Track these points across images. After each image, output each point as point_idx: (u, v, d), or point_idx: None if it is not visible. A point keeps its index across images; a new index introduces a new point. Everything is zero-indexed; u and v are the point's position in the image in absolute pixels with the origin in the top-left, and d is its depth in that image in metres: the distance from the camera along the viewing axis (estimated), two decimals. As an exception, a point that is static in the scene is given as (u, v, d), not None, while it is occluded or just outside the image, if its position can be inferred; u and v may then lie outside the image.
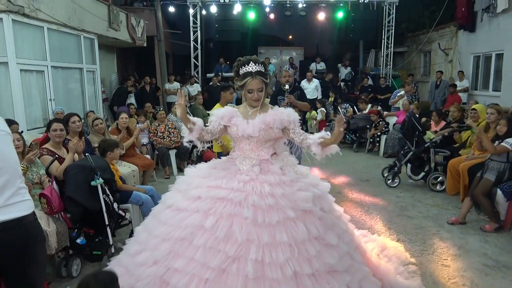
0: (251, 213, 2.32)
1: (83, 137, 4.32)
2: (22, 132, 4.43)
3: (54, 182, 3.33)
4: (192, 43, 14.03)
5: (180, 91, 2.62)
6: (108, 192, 3.45)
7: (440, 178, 5.69)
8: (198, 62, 14.11)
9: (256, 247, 2.23)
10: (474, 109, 5.84)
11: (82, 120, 4.69)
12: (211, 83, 12.37)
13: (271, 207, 2.35)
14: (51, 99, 7.30)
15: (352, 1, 13.88)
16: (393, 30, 14.48)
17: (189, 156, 7.42)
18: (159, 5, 12.95)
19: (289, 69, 10.92)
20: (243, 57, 2.66)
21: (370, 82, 13.38)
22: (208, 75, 14.26)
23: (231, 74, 12.83)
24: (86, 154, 3.51)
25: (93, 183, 3.29)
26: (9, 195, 1.81)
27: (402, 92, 9.26)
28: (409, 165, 5.96)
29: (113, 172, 3.82)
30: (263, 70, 2.60)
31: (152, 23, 13.06)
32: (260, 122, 2.56)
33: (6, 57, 6.19)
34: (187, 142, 2.68)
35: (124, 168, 5.08)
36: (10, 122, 4.59)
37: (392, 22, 14.34)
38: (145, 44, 12.26)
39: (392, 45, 14.66)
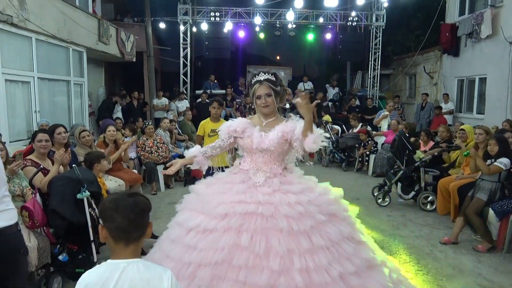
0: (285, 224, 2.31)
1: (69, 149, 4.16)
2: (5, 143, 4.26)
3: (37, 195, 3.17)
4: (181, 59, 14.03)
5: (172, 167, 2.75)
6: (94, 206, 3.30)
7: (431, 197, 5.69)
8: (187, 78, 14.09)
9: (298, 256, 2.23)
10: (462, 129, 5.92)
11: (68, 132, 4.54)
12: (199, 100, 12.32)
13: (302, 214, 2.36)
14: (36, 111, 7.11)
15: (340, 24, 14.20)
16: (379, 53, 14.80)
17: (176, 172, 7.26)
18: (150, 21, 12.97)
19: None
20: None
21: (357, 102, 13.55)
22: (197, 91, 14.23)
23: (221, 91, 12.84)
24: (73, 165, 3.37)
25: (79, 195, 3.14)
26: None
27: (386, 113, 9.39)
28: (399, 184, 5.95)
29: (100, 185, 3.67)
30: (273, 79, 2.62)
31: (142, 39, 13.04)
32: (277, 135, 2.55)
33: (-9, 66, 6.03)
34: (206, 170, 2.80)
35: (110, 183, 4.92)
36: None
37: (379, 45, 14.67)
38: (134, 59, 12.19)
39: (378, 67, 14.95)
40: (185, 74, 14.10)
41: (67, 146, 4.38)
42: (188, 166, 2.88)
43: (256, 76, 2.64)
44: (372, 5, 14.14)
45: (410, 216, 5.46)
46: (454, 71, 12.24)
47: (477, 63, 10.91)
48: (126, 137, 7.03)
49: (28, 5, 6.63)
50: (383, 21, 14.37)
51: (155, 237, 4.34)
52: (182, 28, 13.76)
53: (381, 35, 14.52)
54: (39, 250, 3.08)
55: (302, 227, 2.31)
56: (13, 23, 6.30)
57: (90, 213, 3.21)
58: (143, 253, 3.62)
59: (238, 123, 2.69)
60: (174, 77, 15.67)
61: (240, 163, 2.74)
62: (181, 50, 13.99)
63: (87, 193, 3.17)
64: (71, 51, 8.39)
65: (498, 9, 9.92)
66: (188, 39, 13.85)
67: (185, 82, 14.14)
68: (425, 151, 6.41)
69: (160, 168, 6.90)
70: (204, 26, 13.77)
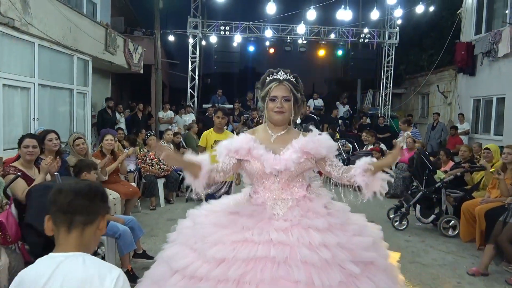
0: (303, 274, 1.72)
1: (59, 157, 3.80)
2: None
3: (12, 206, 2.79)
4: (189, 73, 13.84)
5: (157, 145, 2.07)
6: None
7: (453, 222, 5.20)
8: (194, 92, 13.86)
9: None
10: (487, 148, 5.47)
11: (60, 139, 4.19)
12: (206, 114, 12.02)
13: (328, 263, 1.77)
14: (35, 118, 6.83)
15: (352, 41, 13.96)
16: (392, 71, 14.48)
17: (178, 186, 6.88)
18: (159, 33, 12.84)
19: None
20: None
21: (368, 121, 13.17)
22: (204, 105, 13.97)
23: (228, 105, 12.50)
24: (55, 173, 2.99)
25: (59, 208, 2.75)
26: None
27: (408, 132, 8.99)
28: (417, 206, 5.48)
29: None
30: (295, 82, 2.09)
31: (151, 52, 12.90)
32: (297, 152, 1.98)
33: (-11, 70, 5.79)
34: (195, 194, 2.02)
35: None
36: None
37: (392, 63, 14.36)
38: (141, 71, 12.00)
39: (391, 86, 14.60)
40: (192, 88, 13.88)
41: (59, 154, 4.02)
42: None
43: (274, 74, 2.08)
44: (385, 22, 13.90)
45: (430, 242, 4.97)
46: (469, 90, 11.82)
47: (494, 83, 10.49)
48: (125, 148, 6.68)
49: (32, 9, 6.43)
50: (396, 39, 14.12)
51: (149, 257, 3.95)
52: (191, 41, 13.62)
53: (393, 53, 14.23)
54: (10, 269, 2.68)
55: (327, 282, 1.71)
56: (15, 27, 6.08)
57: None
58: (134, 277, 3.20)
59: (240, 141, 2.04)
60: (182, 93, 15.52)
61: (250, 195, 2.12)
62: (190, 63, 13.82)
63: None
64: (75, 59, 8.17)
65: (517, 27, 9.56)
66: (197, 53, 13.69)
67: (192, 96, 13.90)
68: (445, 172, 5.95)
69: (161, 181, 6.51)
70: (214, 39, 13.61)
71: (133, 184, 5.96)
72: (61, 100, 7.99)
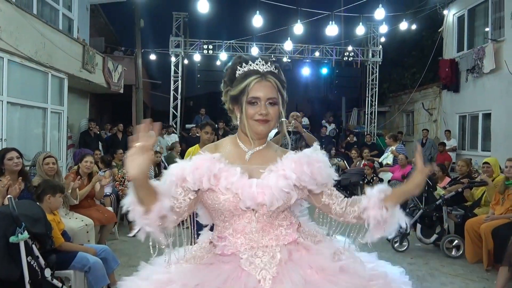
0: None
1: (21, 178, 3.32)
2: None
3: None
4: (172, 92, 13.49)
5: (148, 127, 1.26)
6: (36, 252, 2.42)
7: (456, 241, 4.87)
8: (177, 112, 13.46)
9: None
10: (486, 163, 5.22)
11: (24, 158, 3.72)
12: (190, 134, 11.62)
13: None
14: (2, 139, 6.27)
15: (336, 59, 13.93)
16: (376, 89, 14.48)
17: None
18: (140, 52, 12.51)
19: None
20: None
21: (355, 139, 13.02)
22: (187, 126, 13.57)
23: (212, 124, 12.13)
24: (8, 196, 2.52)
25: (12, 239, 2.27)
26: None
27: (393, 148, 8.80)
28: (418, 225, 5.14)
29: (51, 224, 2.80)
30: (280, 75, 1.47)
31: (131, 72, 12.51)
32: (284, 177, 1.37)
33: (-50, 86, 5.28)
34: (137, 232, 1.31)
35: (75, 221, 4.02)
36: None
37: (376, 81, 14.37)
38: (121, 90, 11.56)
39: (376, 103, 14.56)
40: (175, 108, 13.50)
41: (22, 175, 3.53)
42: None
43: (249, 63, 1.42)
44: (368, 40, 13.96)
45: (435, 264, 4.61)
46: (455, 107, 11.83)
47: (480, 99, 10.49)
48: (101, 170, 6.17)
49: (2, 22, 6.00)
50: (379, 57, 14.16)
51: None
52: (173, 60, 13.32)
53: (377, 71, 14.26)
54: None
55: None
56: (-19, 40, 5.64)
57: (28, 262, 2.33)
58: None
59: (200, 163, 1.37)
60: (164, 115, 15.11)
61: (210, 240, 1.49)
62: (172, 82, 13.48)
63: (25, 235, 2.31)
64: (50, 76, 7.69)
65: (500, 44, 9.64)
66: (180, 72, 13.38)
67: (175, 116, 13.50)
68: (444, 188, 5.67)
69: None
70: (197, 58, 13.36)
71: (110, 208, 5.43)
72: (33, 120, 7.45)
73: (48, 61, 7.49)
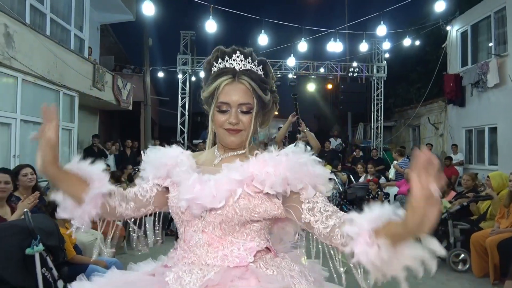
0: None
1: (37, 193, 3.44)
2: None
3: (-27, 249, 2.42)
4: (179, 109, 13.71)
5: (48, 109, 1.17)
6: (50, 264, 2.52)
7: (463, 255, 4.86)
8: (184, 128, 13.66)
9: None
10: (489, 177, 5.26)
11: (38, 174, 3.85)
12: (197, 149, 11.76)
13: None
14: (16, 155, 6.47)
15: (341, 75, 14.10)
16: (382, 104, 14.58)
17: (168, 224, 6.45)
18: (148, 70, 12.79)
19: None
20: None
21: (361, 154, 13.05)
22: (194, 141, 13.73)
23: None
24: (25, 210, 2.64)
25: (28, 250, 2.38)
26: None
27: (395, 162, 8.89)
28: (423, 239, 5.15)
29: (64, 237, 2.91)
30: (261, 73, 1.25)
31: (140, 89, 12.79)
32: (231, 177, 1.14)
33: (-33, 104, 5.50)
34: (76, 227, 1.23)
35: (84, 236, 4.12)
36: None
37: (381, 96, 14.48)
38: (130, 107, 11.81)
39: (382, 118, 14.64)
40: (182, 124, 13.70)
41: (36, 190, 3.66)
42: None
43: (226, 58, 1.23)
44: (373, 56, 14.13)
45: (441, 279, 4.60)
46: (460, 121, 11.85)
47: (485, 113, 10.53)
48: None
49: (16, 43, 6.25)
50: (384, 72, 14.30)
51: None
52: (181, 77, 13.59)
53: (382, 86, 14.38)
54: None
55: None
56: (-3, 61, 5.87)
57: (43, 273, 2.43)
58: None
59: (162, 154, 1.29)
60: (172, 131, 15.34)
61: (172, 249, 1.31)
62: (179, 99, 13.72)
63: (40, 247, 2.41)
64: (61, 94, 7.94)
65: (504, 58, 9.72)
66: (187, 89, 13.63)
67: (182, 132, 13.69)
68: (450, 202, 5.69)
69: (149, 220, 6.09)
70: (203, 75, 13.61)
71: (119, 223, 5.54)
72: (45, 137, 7.65)
73: (60, 79, 7.73)
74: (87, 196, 1.17)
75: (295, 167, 1.13)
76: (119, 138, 13.61)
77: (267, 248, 1.20)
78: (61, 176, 1.17)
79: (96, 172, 1.22)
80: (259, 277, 1.11)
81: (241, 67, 1.22)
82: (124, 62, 15.98)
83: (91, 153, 9.49)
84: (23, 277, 2.38)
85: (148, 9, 8.01)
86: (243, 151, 1.26)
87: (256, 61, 1.24)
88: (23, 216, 3.08)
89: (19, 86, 6.53)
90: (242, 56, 1.22)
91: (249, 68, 1.22)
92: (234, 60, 1.22)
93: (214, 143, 1.33)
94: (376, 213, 1.05)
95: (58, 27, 8.21)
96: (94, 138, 9.81)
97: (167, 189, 1.27)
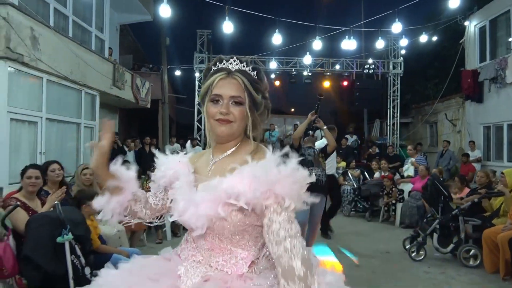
0: None
1: (64, 187, 3.69)
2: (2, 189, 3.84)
3: (10, 237, 2.66)
4: (196, 106, 13.97)
5: (106, 123, 1.43)
6: (78, 252, 2.75)
7: (473, 251, 4.91)
8: (201, 125, 13.90)
9: None
10: (503, 173, 5.27)
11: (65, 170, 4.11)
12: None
13: None
14: (41, 152, 6.80)
15: (357, 71, 14.07)
16: (398, 100, 14.49)
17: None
18: (166, 68, 13.07)
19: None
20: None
21: (377, 150, 13.03)
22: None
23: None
24: (56, 202, 2.87)
25: (59, 239, 2.61)
26: None
27: (413, 159, 8.89)
28: (435, 235, 5.22)
29: (90, 228, 3.14)
30: (253, 74, 1.34)
31: (158, 87, 13.08)
32: (210, 198, 1.19)
33: (-3, 104, 5.83)
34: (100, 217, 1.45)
35: (108, 228, 4.36)
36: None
37: (397, 92, 14.39)
38: (148, 105, 12.12)
39: (398, 115, 14.56)
40: (199, 121, 13.96)
41: (63, 185, 3.91)
42: None
43: (224, 61, 1.33)
44: (389, 53, 14.05)
45: (451, 273, 4.68)
46: (478, 117, 11.70)
47: (503, 109, 10.38)
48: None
49: (41, 45, 6.56)
50: (400, 68, 14.21)
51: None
52: (197, 75, 13.84)
53: (399, 82, 14.29)
54: (6, 306, 2.51)
55: None
56: (24, 62, 6.18)
57: (72, 260, 2.66)
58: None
59: (168, 162, 1.40)
60: (189, 128, 15.62)
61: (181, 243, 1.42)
62: (196, 97, 13.97)
63: (70, 236, 2.64)
64: (83, 93, 8.26)
65: (523, 54, 9.58)
66: (203, 87, 13.88)
67: (199, 129, 13.95)
68: (461, 198, 5.72)
69: (167, 214, 6.33)
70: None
71: (139, 217, 5.79)
72: (69, 134, 8.00)
73: (82, 79, 8.05)
74: (118, 197, 1.39)
75: (270, 182, 1.14)
76: (138, 135, 13.98)
77: (265, 256, 1.28)
78: (107, 177, 1.38)
79: (130, 177, 1.40)
80: (251, 279, 1.24)
81: (236, 68, 1.32)
82: (142, 61, 16.34)
83: (111, 150, 9.83)
84: (55, 263, 2.61)
85: (165, 11, 8.23)
86: (231, 150, 1.33)
87: (251, 66, 1.35)
88: (52, 209, 3.33)
89: (44, 86, 6.85)
90: (238, 61, 1.33)
91: (243, 69, 1.32)
92: (230, 63, 1.33)
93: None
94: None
95: (79, 28, 8.52)
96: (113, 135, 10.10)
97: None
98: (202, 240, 1.28)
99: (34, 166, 3.66)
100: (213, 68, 1.34)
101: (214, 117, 1.28)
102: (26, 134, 6.56)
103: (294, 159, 1.19)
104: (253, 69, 1.34)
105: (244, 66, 1.33)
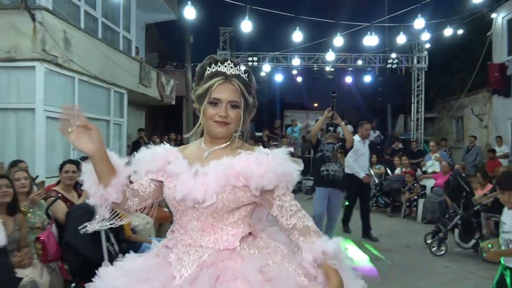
0: None
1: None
2: (37, 177, 4.17)
3: (53, 226, 2.93)
4: (219, 103, 14.22)
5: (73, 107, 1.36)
6: (113, 240, 3.00)
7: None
8: (224, 121, 14.18)
9: None
10: (527, 169, 5.23)
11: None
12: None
13: None
14: (74, 148, 7.19)
15: (380, 66, 13.96)
16: (422, 95, 14.28)
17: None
18: (190, 66, 13.37)
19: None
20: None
21: (400, 146, 12.92)
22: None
23: (258, 133, 12.64)
24: (92, 194, 3.13)
25: (96, 227, 2.86)
26: None
27: (436, 154, 8.82)
28: (456, 230, 5.25)
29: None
30: (247, 79, 1.47)
31: (182, 84, 13.41)
32: (220, 174, 1.35)
33: (34, 103, 6.22)
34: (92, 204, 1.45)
35: (137, 219, 4.64)
36: (17, 161, 4.38)
37: (422, 87, 14.19)
38: (173, 102, 12.45)
39: (422, 110, 14.35)
40: (222, 117, 14.22)
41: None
42: None
43: (218, 64, 1.45)
44: (413, 47, 13.86)
45: (470, 268, 4.72)
46: (506, 112, 11.43)
47: (533, 103, 10.13)
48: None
49: (74, 47, 6.92)
50: (425, 63, 13.98)
51: None
52: (220, 72, 14.07)
53: (423, 77, 14.08)
54: (50, 287, 2.78)
55: None
56: (58, 64, 6.55)
57: (107, 248, 2.91)
58: None
59: (153, 153, 1.49)
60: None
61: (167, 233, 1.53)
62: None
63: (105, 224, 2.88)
64: (112, 92, 8.62)
65: (552, 47, 9.30)
66: (226, 83, 14.11)
67: (222, 125, 14.22)
68: (484, 195, 5.71)
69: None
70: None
71: (166, 209, 6.07)
72: (99, 131, 8.38)
73: (111, 78, 8.41)
74: (114, 180, 1.36)
75: (274, 168, 1.34)
76: (163, 131, 14.38)
77: (249, 232, 1.43)
78: (104, 157, 1.34)
79: (122, 164, 1.41)
80: (243, 257, 1.35)
81: (231, 72, 1.44)
82: (167, 58, 16.70)
83: (138, 146, 10.20)
84: (92, 250, 2.88)
85: (190, 13, 8.45)
86: (227, 143, 1.48)
87: (243, 69, 1.48)
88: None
89: (76, 85, 7.22)
90: (232, 64, 1.45)
91: (238, 73, 1.45)
92: (225, 66, 1.44)
93: (201, 136, 1.54)
94: (322, 246, 1.31)
95: (108, 29, 8.88)
96: (140, 132, 10.51)
97: (161, 182, 1.47)
98: (194, 222, 1.38)
99: (70, 161, 3.96)
100: (208, 69, 1.46)
101: (212, 118, 1.42)
102: (59, 131, 6.94)
103: (287, 153, 1.41)
104: (244, 72, 1.48)
105: (238, 70, 1.45)
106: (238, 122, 1.44)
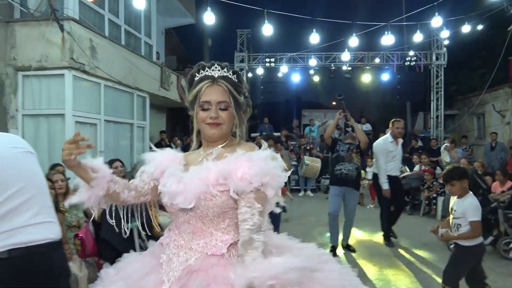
0: None
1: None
2: (69, 178, 4.46)
3: (90, 223, 3.19)
4: (237, 104, 14.46)
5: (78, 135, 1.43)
6: (143, 237, 3.24)
7: (513, 243, 4.97)
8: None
9: None
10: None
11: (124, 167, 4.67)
12: (255, 142, 12.40)
13: None
14: (101, 151, 7.53)
15: (397, 64, 13.91)
16: (442, 92, 14.14)
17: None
18: (208, 68, 13.64)
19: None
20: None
21: (420, 143, 12.84)
22: (252, 135, 14.42)
23: (276, 133, 12.83)
24: (125, 194, 3.39)
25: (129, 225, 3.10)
26: (33, 213, 1.65)
27: (447, 144, 8.90)
28: (474, 227, 5.29)
29: (151, 217, 3.63)
30: (235, 79, 1.50)
31: (201, 86, 13.68)
32: (196, 180, 1.37)
33: (64, 109, 6.57)
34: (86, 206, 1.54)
35: (163, 218, 4.90)
36: (56, 165, 4.68)
37: (441, 84, 14.05)
38: (193, 104, 12.73)
39: (442, 107, 14.21)
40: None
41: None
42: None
43: (206, 69, 1.48)
44: (431, 44, 13.74)
45: (489, 264, 4.75)
46: (529, 108, 11.25)
47: (555, 99, 9.94)
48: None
49: (99, 54, 7.25)
50: (444, 60, 13.85)
51: None
52: (238, 74, 14.32)
53: (442, 74, 13.95)
54: (89, 281, 3.04)
55: None
56: (85, 71, 6.89)
57: (139, 244, 3.15)
58: None
59: (160, 156, 1.59)
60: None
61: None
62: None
63: (136, 223, 3.11)
64: (135, 96, 8.96)
65: None
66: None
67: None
68: (502, 192, 5.72)
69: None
70: (260, 71, 14.23)
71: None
72: (123, 134, 8.73)
73: (134, 83, 8.74)
74: (94, 181, 1.44)
75: (252, 170, 1.31)
76: (183, 132, 14.70)
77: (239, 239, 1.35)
78: (79, 167, 1.42)
79: (99, 164, 1.47)
80: (232, 264, 1.33)
81: (218, 74, 1.47)
82: (186, 61, 17.04)
83: (160, 147, 10.51)
84: (127, 246, 3.11)
85: (209, 19, 8.66)
86: (223, 143, 1.51)
87: (231, 70, 1.51)
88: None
89: (102, 91, 7.57)
90: (219, 67, 1.48)
91: (225, 75, 1.48)
92: (213, 70, 1.48)
93: (201, 144, 1.58)
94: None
95: (130, 36, 9.22)
96: (161, 134, 10.85)
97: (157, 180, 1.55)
98: (186, 224, 1.41)
99: (115, 160, 4.23)
100: (197, 75, 1.50)
101: (204, 121, 1.47)
102: (88, 135, 7.20)
103: (276, 155, 1.42)
104: (233, 73, 1.51)
105: (225, 72, 1.48)
106: (231, 122, 1.48)
